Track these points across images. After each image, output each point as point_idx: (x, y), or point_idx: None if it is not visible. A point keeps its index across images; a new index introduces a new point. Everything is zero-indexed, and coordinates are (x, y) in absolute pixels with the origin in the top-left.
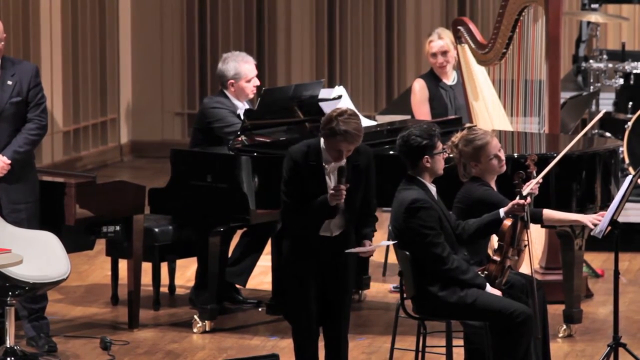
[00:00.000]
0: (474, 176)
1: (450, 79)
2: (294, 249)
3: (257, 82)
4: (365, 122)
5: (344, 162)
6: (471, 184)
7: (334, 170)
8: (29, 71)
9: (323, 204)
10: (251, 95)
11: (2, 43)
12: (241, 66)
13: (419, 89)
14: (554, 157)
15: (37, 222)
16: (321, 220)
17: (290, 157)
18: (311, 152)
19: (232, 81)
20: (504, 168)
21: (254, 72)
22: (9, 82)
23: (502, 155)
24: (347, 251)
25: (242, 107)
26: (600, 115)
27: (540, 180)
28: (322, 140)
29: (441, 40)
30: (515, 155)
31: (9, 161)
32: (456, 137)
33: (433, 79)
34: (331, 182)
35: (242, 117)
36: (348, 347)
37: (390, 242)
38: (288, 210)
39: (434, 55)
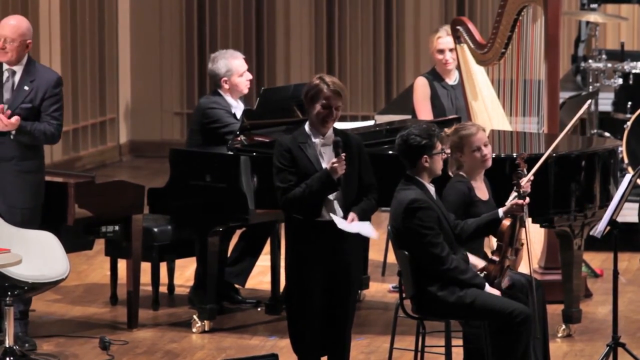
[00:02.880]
0: (457, 172)
1: (452, 78)
2: (298, 242)
3: (250, 76)
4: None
5: (336, 138)
6: (451, 180)
7: (324, 145)
8: (50, 81)
9: (324, 177)
10: (245, 91)
11: (15, 44)
12: (231, 62)
13: (421, 87)
14: (550, 157)
15: (36, 226)
16: (323, 195)
17: (279, 144)
18: (298, 135)
19: (225, 78)
20: (488, 163)
21: (245, 66)
22: (26, 88)
23: (487, 150)
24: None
25: (236, 105)
26: (585, 107)
27: (532, 178)
28: (306, 124)
29: (449, 37)
30: (514, 155)
31: (17, 120)
32: (449, 130)
33: (435, 77)
34: (323, 158)
35: (237, 116)
36: (350, 345)
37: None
38: (287, 198)
39: (441, 51)
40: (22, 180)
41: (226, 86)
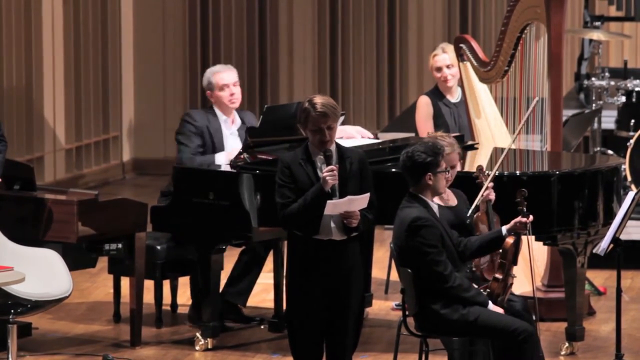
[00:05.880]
0: None
1: (454, 96)
2: (298, 259)
3: (233, 91)
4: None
5: (328, 150)
6: None
7: (324, 161)
8: None
9: (317, 188)
10: (230, 105)
11: None
12: (214, 76)
13: (424, 105)
14: (555, 175)
15: None
16: (319, 209)
17: (280, 161)
18: (299, 152)
19: (208, 92)
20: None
21: (227, 80)
22: None
23: (453, 172)
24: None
25: (225, 119)
26: (534, 103)
27: (490, 185)
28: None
29: (445, 54)
30: (517, 173)
31: None
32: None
33: (437, 95)
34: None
35: (223, 130)
36: None
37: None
38: (285, 213)
39: (439, 69)
40: None
41: (213, 100)
